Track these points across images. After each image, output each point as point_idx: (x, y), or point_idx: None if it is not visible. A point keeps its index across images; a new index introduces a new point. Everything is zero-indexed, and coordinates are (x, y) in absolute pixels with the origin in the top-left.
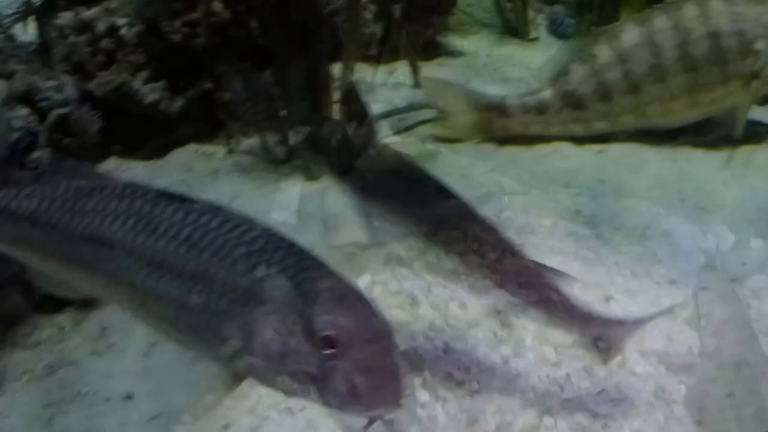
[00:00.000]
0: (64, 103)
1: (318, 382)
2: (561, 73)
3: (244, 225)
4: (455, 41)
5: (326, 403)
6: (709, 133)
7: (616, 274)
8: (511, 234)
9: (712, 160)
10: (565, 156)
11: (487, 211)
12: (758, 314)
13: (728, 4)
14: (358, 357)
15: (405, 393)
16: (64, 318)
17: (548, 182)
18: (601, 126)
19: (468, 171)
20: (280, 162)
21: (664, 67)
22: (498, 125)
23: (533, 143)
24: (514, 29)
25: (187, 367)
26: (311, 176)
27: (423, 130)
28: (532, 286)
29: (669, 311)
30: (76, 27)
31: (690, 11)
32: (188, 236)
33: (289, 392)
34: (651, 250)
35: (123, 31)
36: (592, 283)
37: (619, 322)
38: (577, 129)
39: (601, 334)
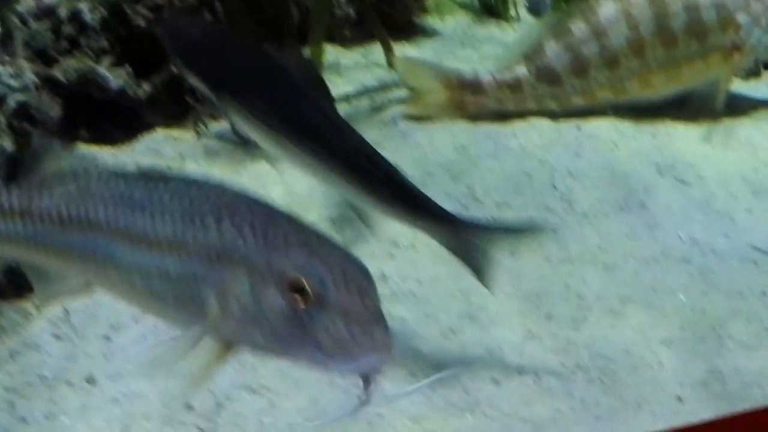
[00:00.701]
0: (23, 89)
1: (298, 338)
2: (535, 49)
3: (215, 189)
4: (432, 22)
5: (311, 362)
6: (690, 108)
7: (596, 250)
8: (487, 208)
9: (692, 133)
10: (541, 132)
11: (459, 187)
12: None
13: None
14: (334, 303)
15: (393, 342)
16: (27, 303)
17: (524, 158)
18: (577, 101)
19: (440, 148)
20: (249, 145)
21: (641, 40)
22: (472, 102)
23: (508, 120)
24: (492, 10)
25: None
26: None
27: (395, 109)
28: None
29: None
30: (38, 13)
31: None
32: (161, 206)
33: (274, 354)
34: (630, 223)
35: (86, 16)
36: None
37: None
38: (553, 105)
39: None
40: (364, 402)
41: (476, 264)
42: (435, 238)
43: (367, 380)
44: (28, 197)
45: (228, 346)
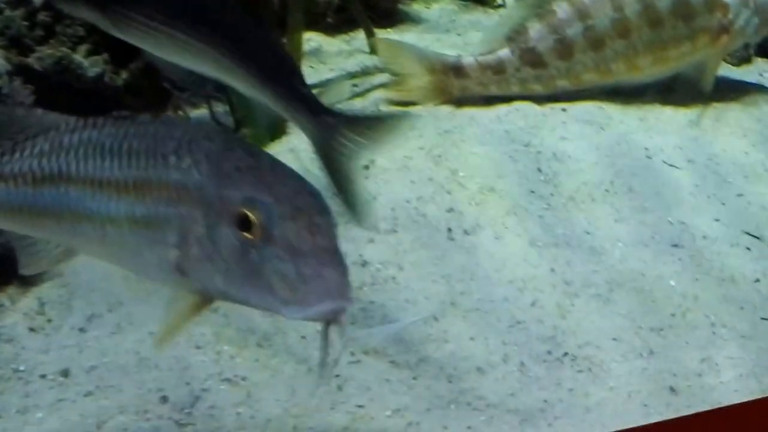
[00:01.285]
0: None
1: (250, 279)
2: (518, 31)
3: (181, 126)
4: (417, 9)
5: (268, 308)
6: (678, 91)
7: (583, 234)
8: (470, 191)
9: (681, 117)
10: (525, 115)
11: (441, 172)
12: None
13: None
14: (280, 238)
15: (350, 287)
16: (1, 295)
17: (508, 141)
18: (562, 84)
19: (423, 132)
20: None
21: (627, 21)
22: (455, 86)
23: (493, 104)
24: None
25: (123, 341)
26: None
27: (377, 94)
28: None
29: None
30: (12, 1)
31: None
32: (128, 149)
33: (236, 300)
34: (618, 207)
35: None
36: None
37: None
38: (537, 88)
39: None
40: (325, 358)
41: (340, 173)
42: (304, 131)
43: (325, 331)
44: None
45: (201, 296)
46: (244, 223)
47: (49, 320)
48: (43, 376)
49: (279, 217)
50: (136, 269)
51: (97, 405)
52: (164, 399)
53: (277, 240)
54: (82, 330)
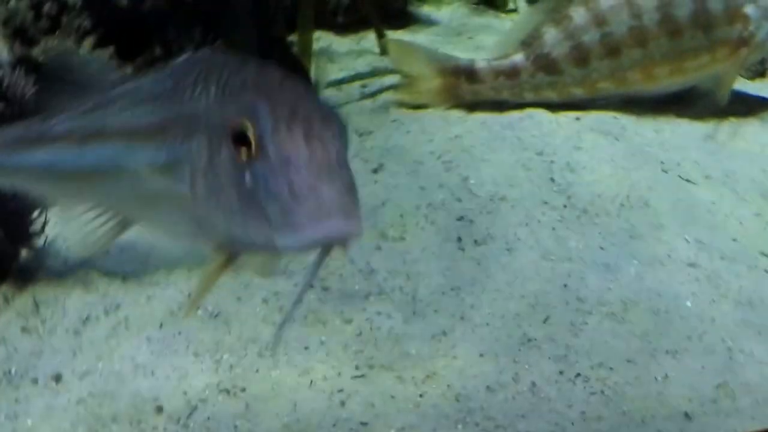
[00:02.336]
0: None
1: (246, 205)
2: (534, 36)
3: (207, 58)
4: (428, 11)
5: (262, 241)
6: (693, 103)
7: (598, 249)
8: (481, 200)
9: (697, 130)
10: (538, 122)
11: (451, 179)
12: None
13: None
14: (278, 148)
15: (360, 213)
16: None
17: (520, 149)
18: (577, 92)
19: (433, 137)
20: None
21: (645, 30)
22: (467, 90)
23: (505, 110)
24: (490, 1)
25: (118, 345)
26: None
27: (387, 96)
28: None
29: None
30: None
31: None
32: (155, 94)
33: (241, 244)
34: (633, 222)
35: None
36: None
37: None
38: (551, 95)
39: None
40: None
41: None
42: None
43: (319, 261)
44: (42, 124)
45: (220, 251)
46: (240, 137)
47: (44, 321)
48: (34, 381)
49: (274, 127)
50: (166, 230)
51: (89, 413)
52: (159, 409)
53: (270, 153)
54: (76, 333)
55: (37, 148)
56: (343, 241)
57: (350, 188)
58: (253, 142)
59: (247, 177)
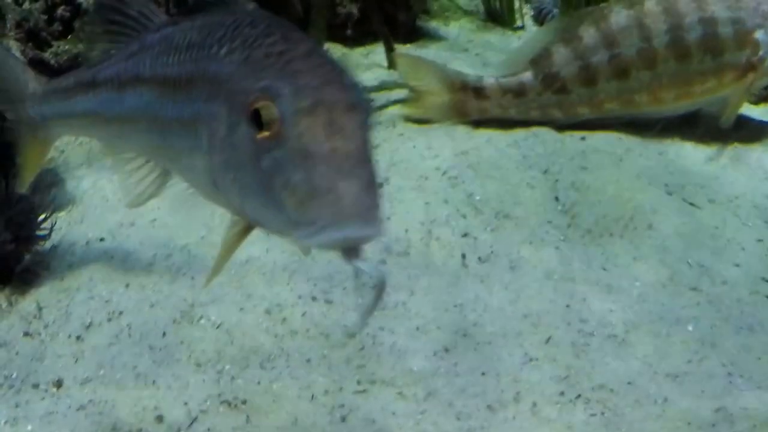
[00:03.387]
0: None
1: (264, 189)
2: (543, 55)
3: (238, 13)
4: (436, 26)
5: (278, 227)
6: (698, 126)
7: (600, 270)
8: (486, 216)
9: (701, 154)
10: (544, 141)
11: (456, 195)
12: None
13: None
14: (298, 136)
15: (381, 207)
16: None
17: (526, 167)
18: (584, 112)
19: (439, 152)
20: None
21: (654, 52)
22: (474, 107)
23: (511, 127)
24: (498, 17)
25: (120, 353)
26: None
27: (394, 110)
28: None
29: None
30: None
31: None
32: (186, 44)
33: (255, 220)
34: (637, 243)
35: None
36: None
37: None
38: (558, 114)
39: None
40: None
41: None
42: None
43: (349, 254)
44: (90, 71)
45: (238, 215)
46: (260, 117)
47: (46, 326)
48: (35, 386)
49: (295, 111)
50: (191, 182)
51: (89, 420)
52: (160, 418)
53: (290, 140)
54: (79, 338)
55: (85, 93)
56: (362, 242)
57: (371, 185)
58: (273, 126)
59: (265, 159)
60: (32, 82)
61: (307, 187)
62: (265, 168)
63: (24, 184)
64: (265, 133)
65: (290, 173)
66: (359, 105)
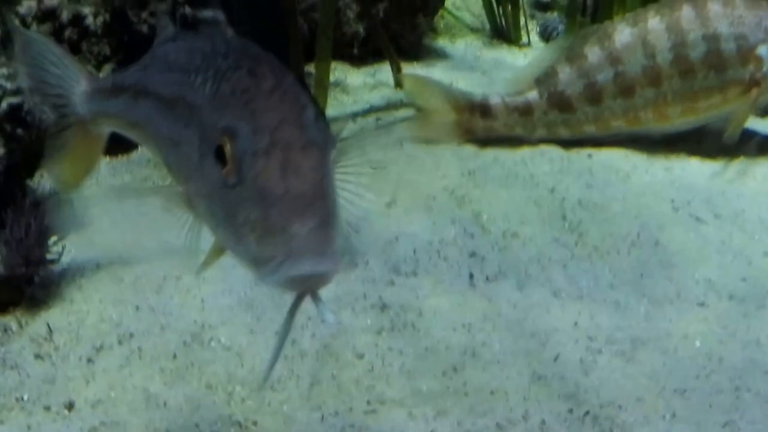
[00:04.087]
0: (16, 93)
1: (227, 223)
2: (548, 73)
3: (230, 41)
4: (442, 44)
5: (242, 262)
6: (704, 142)
7: (608, 288)
8: (493, 236)
9: (707, 169)
10: (550, 159)
11: (464, 214)
12: None
13: (727, 6)
14: (253, 176)
15: (337, 244)
16: (9, 318)
17: (532, 186)
18: (590, 130)
19: (446, 172)
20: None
21: (658, 69)
22: (480, 126)
23: (517, 146)
24: (504, 34)
25: (131, 375)
26: None
27: (401, 129)
28: None
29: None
30: (39, 15)
31: (686, 12)
32: (176, 64)
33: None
34: (644, 260)
35: (88, 20)
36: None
37: None
38: (564, 132)
39: None
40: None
41: None
42: None
43: (294, 306)
44: (118, 77)
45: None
46: (221, 155)
47: (57, 348)
48: (47, 408)
49: (251, 151)
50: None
51: None
52: None
53: (246, 179)
54: (89, 360)
55: (116, 97)
56: (317, 282)
57: (326, 224)
58: (233, 164)
59: (229, 194)
60: (84, 79)
61: (262, 225)
62: (228, 203)
63: (76, 184)
64: (227, 170)
65: (247, 211)
66: (316, 143)
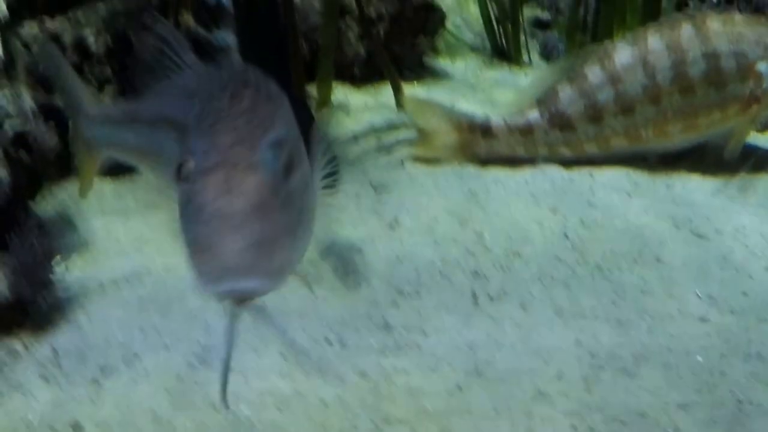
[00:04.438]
0: (20, 116)
1: (180, 235)
2: (549, 93)
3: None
4: (443, 64)
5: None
6: (704, 158)
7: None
8: (494, 256)
9: (708, 186)
10: (552, 179)
11: (466, 234)
12: None
13: (726, 24)
14: (195, 194)
15: (274, 263)
16: (15, 341)
17: (534, 205)
18: (591, 149)
19: (448, 192)
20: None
21: (658, 87)
22: (481, 146)
23: (519, 166)
24: (504, 53)
25: (137, 396)
26: None
27: (403, 151)
28: None
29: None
30: (42, 38)
31: (686, 31)
32: (180, 93)
33: None
34: (645, 277)
35: (90, 44)
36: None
37: None
38: (565, 151)
39: None
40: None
41: None
42: None
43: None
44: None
45: None
46: (178, 172)
47: (62, 370)
48: (54, 430)
49: (198, 170)
50: None
51: None
52: None
53: (191, 197)
54: (96, 382)
55: (119, 126)
56: (245, 297)
57: (256, 245)
58: (182, 182)
59: (184, 209)
60: (88, 103)
61: (194, 242)
62: (180, 218)
63: (84, 193)
64: (180, 187)
65: (188, 227)
66: (263, 165)
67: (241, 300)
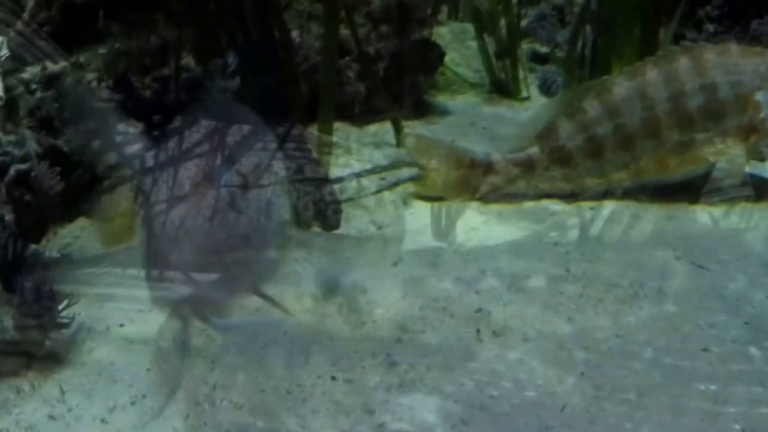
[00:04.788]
0: (24, 159)
1: None
2: (548, 129)
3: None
4: (443, 100)
5: None
6: (705, 189)
7: (612, 337)
8: (497, 293)
9: (708, 215)
10: (553, 213)
11: (469, 270)
12: None
13: (723, 55)
14: (151, 221)
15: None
16: (22, 380)
17: (536, 240)
18: (591, 183)
19: (450, 229)
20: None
21: (657, 120)
22: (483, 183)
23: (520, 201)
24: (504, 89)
25: None
26: None
27: (404, 188)
28: None
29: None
30: (43, 81)
31: (683, 63)
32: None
33: None
34: (647, 309)
35: (92, 85)
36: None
37: None
38: (566, 186)
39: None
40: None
41: None
42: None
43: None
44: None
45: None
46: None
47: (70, 409)
48: None
49: (160, 197)
50: None
51: None
52: None
53: (155, 216)
54: (103, 421)
55: None
56: (182, 308)
57: (200, 258)
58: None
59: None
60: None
61: (148, 255)
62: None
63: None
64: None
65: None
66: (223, 197)
67: (178, 310)
